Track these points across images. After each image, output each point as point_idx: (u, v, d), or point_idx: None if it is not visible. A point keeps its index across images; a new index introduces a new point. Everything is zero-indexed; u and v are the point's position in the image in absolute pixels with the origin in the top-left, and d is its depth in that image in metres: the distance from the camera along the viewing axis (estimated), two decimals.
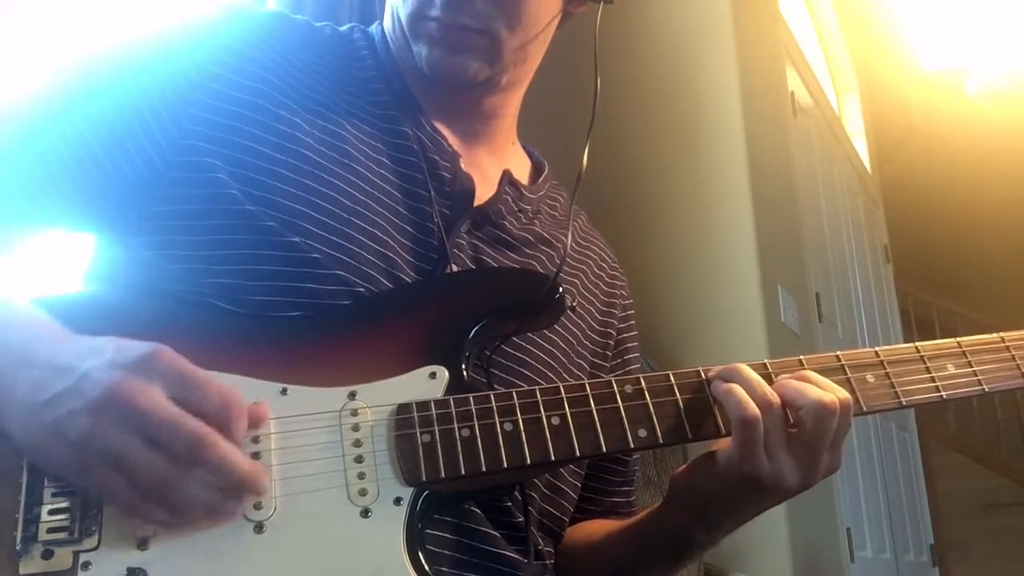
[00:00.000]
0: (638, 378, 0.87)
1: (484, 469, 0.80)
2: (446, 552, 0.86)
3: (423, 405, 0.81)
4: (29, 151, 0.87)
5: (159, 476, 0.69)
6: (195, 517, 0.72)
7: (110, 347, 0.72)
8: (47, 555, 0.71)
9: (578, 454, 0.83)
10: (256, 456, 0.77)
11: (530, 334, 0.97)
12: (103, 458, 0.68)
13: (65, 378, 0.70)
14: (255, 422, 0.77)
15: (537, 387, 0.85)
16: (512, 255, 1.01)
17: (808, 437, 0.84)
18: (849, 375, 0.90)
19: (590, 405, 0.84)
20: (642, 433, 0.84)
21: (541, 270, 1.02)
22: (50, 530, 0.71)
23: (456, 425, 0.81)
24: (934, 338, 0.98)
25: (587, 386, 0.86)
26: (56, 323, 0.77)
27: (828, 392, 0.85)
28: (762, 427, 0.83)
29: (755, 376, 0.86)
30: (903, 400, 0.91)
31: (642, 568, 1.02)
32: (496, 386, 0.90)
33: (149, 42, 0.94)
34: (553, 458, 0.82)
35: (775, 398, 0.84)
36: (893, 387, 0.91)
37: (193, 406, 0.71)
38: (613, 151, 2.93)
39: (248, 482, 0.72)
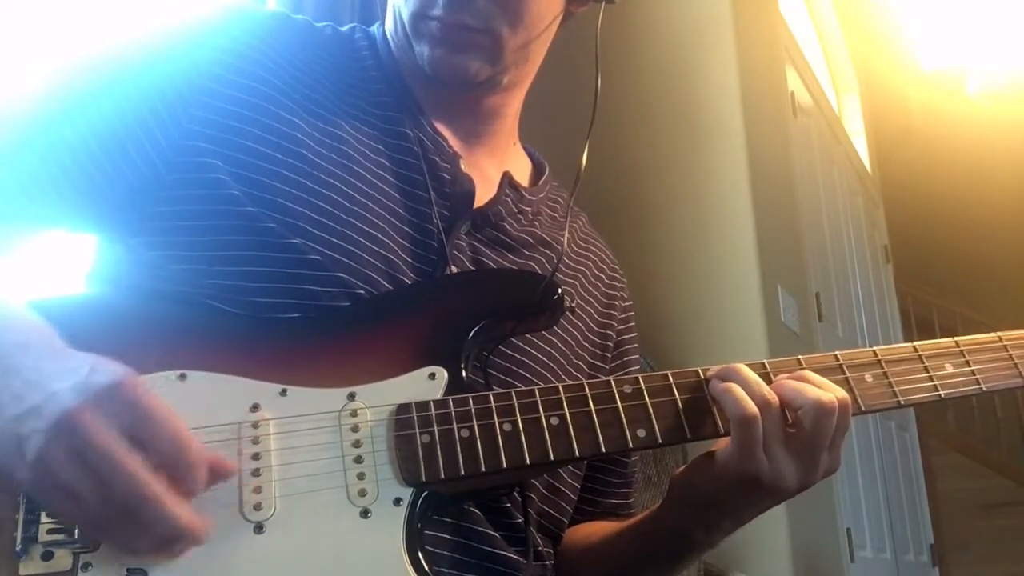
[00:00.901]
0: (637, 378, 0.87)
1: (483, 469, 0.80)
2: (445, 552, 0.86)
3: (422, 406, 0.81)
4: (30, 152, 0.87)
5: (98, 513, 0.67)
6: (141, 552, 0.70)
7: (85, 368, 0.70)
8: (47, 556, 0.71)
9: (577, 454, 0.83)
10: (256, 457, 0.77)
11: (529, 335, 0.97)
12: (52, 482, 0.67)
13: (36, 395, 0.68)
14: (219, 473, 0.73)
15: (536, 387, 0.85)
16: (512, 257, 1.01)
17: (807, 437, 0.85)
18: (847, 375, 0.90)
19: (589, 405, 0.84)
20: (641, 433, 0.84)
21: (540, 272, 1.02)
22: (50, 531, 0.71)
23: (455, 425, 0.81)
24: (934, 338, 0.98)
25: (586, 386, 0.86)
26: (51, 330, 0.75)
27: (827, 392, 0.85)
28: (761, 426, 0.83)
29: (754, 376, 0.86)
30: (901, 400, 0.91)
31: (641, 569, 1.02)
32: (495, 387, 0.90)
33: (149, 43, 0.94)
34: (552, 458, 0.82)
35: (774, 397, 0.84)
36: (891, 387, 0.91)
37: (147, 445, 0.69)
38: (613, 151, 2.93)
39: (186, 533, 0.69)
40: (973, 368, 0.95)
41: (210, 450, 0.73)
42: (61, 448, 0.67)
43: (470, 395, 0.83)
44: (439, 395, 0.83)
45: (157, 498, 0.67)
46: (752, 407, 0.83)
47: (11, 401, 0.69)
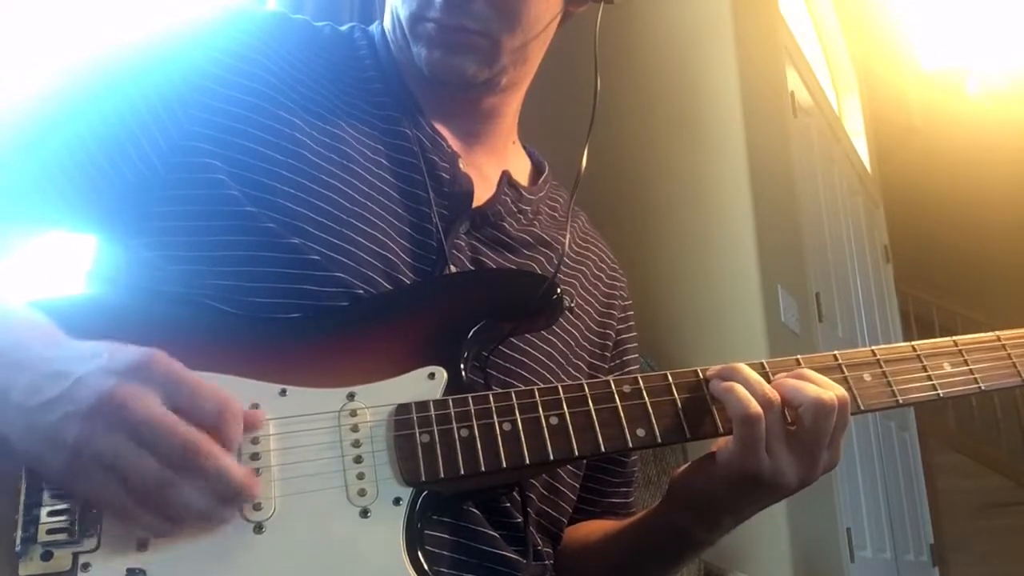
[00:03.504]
0: (636, 378, 0.87)
1: (483, 469, 0.80)
2: (445, 552, 0.86)
3: (422, 405, 0.82)
4: (30, 154, 0.87)
5: (153, 482, 0.68)
6: (189, 524, 0.71)
7: (105, 352, 0.71)
8: (46, 556, 0.71)
9: (576, 454, 0.83)
10: (255, 457, 0.77)
11: (529, 335, 0.97)
12: (97, 463, 0.68)
13: (60, 383, 0.70)
14: (252, 426, 0.76)
15: (535, 387, 0.85)
16: (511, 256, 1.02)
17: (807, 434, 0.85)
18: (846, 374, 0.90)
19: (588, 405, 0.85)
20: (640, 433, 0.84)
21: (540, 271, 1.02)
22: (49, 531, 0.71)
23: (455, 425, 0.81)
24: (934, 338, 0.98)
25: (585, 386, 0.86)
26: (53, 326, 0.76)
27: (827, 390, 0.85)
28: (763, 424, 0.83)
29: (755, 375, 0.86)
30: (900, 399, 0.91)
31: (641, 568, 1.02)
32: (495, 386, 0.91)
33: (149, 44, 0.94)
34: (552, 458, 0.82)
35: (776, 396, 0.85)
36: (890, 386, 0.91)
37: (188, 411, 0.70)
38: (613, 151, 2.92)
39: (242, 489, 0.71)
40: (971, 368, 0.95)
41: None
42: (104, 426, 0.68)
43: (469, 395, 0.83)
44: (438, 395, 0.83)
45: (214, 450, 0.70)
46: (755, 406, 0.83)
47: (26, 396, 0.70)
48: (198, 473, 0.69)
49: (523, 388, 0.85)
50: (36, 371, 0.71)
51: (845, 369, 0.91)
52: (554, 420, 0.83)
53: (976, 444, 6.47)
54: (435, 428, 0.81)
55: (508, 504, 0.93)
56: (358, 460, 0.79)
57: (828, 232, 3.89)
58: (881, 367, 0.92)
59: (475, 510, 0.90)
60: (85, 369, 0.70)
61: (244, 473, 0.72)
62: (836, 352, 0.92)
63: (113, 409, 0.68)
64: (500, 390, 0.85)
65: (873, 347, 0.93)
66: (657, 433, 0.85)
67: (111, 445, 0.68)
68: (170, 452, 0.68)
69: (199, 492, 0.70)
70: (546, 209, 1.10)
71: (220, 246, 0.87)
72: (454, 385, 0.84)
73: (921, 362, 0.94)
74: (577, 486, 1.05)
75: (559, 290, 0.91)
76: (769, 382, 0.86)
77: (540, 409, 0.83)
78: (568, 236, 1.05)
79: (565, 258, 1.07)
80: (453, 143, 1.02)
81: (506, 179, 1.05)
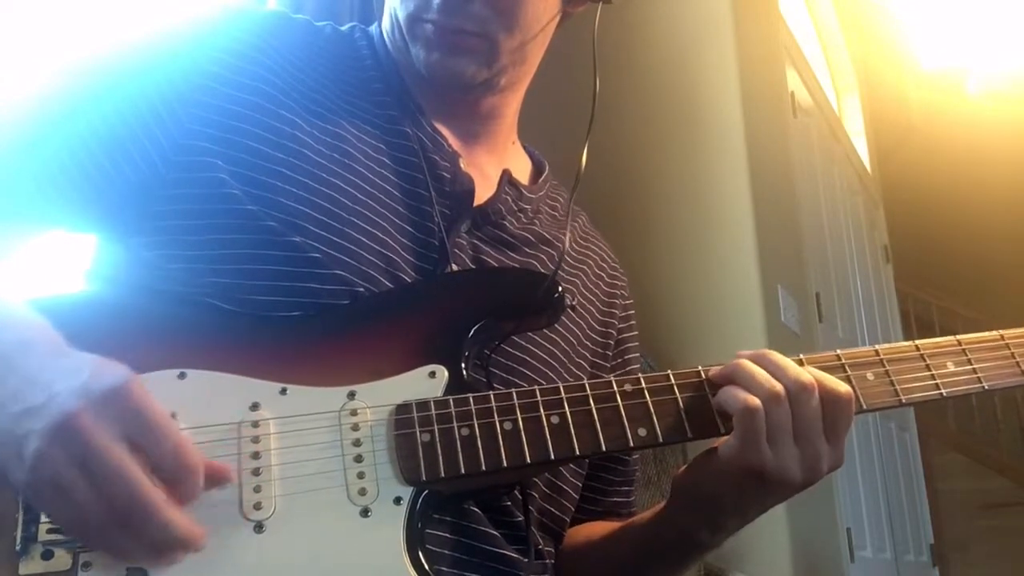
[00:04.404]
0: (638, 377, 0.87)
1: (484, 468, 0.80)
2: (446, 552, 0.86)
3: (423, 404, 0.81)
4: (31, 153, 0.87)
5: (95, 518, 0.67)
6: (137, 559, 0.70)
7: (87, 370, 0.70)
8: (47, 555, 0.71)
9: (578, 453, 0.83)
10: (256, 456, 0.77)
11: (530, 334, 0.97)
12: (50, 485, 0.67)
13: (37, 395, 0.68)
14: (216, 479, 0.74)
15: (537, 386, 0.85)
16: (512, 255, 1.01)
17: (797, 422, 0.84)
18: (849, 373, 0.90)
19: (590, 404, 0.84)
20: (642, 432, 0.84)
21: (541, 270, 1.02)
22: (50, 530, 0.71)
23: (456, 424, 0.81)
24: (934, 338, 0.97)
25: (587, 385, 0.86)
26: (51, 329, 0.75)
27: (803, 373, 0.85)
28: (763, 416, 0.83)
29: (754, 367, 0.86)
30: (903, 398, 0.91)
31: (644, 569, 1.01)
32: (496, 385, 0.90)
33: (149, 43, 0.94)
34: (553, 457, 0.82)
35: (780, 389, 0.84)
36: (893, 385, 0.91)
37: (147, 452, 0.69)
38: (613, 151, 2.92)
39: (182, 541, 0.69)
40: (975, 367, 0.95)
41: (209, 454, 0.73)
42: (60, 450, 0.66)
43: (470, 394, 0.83)
44: (439, 394, 0.83)
45: (155, 504, 0.67)
46: (753, 398, 0.83)
47: (10, 399, 0.69)
48: (137, 521, 0.67)
49: (524, 388, 0.85)
50: (22, 378, 0.70)
51: (848, 368, 0.91)
52: (555, 419, 0.83)
53: (976, 444, 6.48)
54: (436, 427, 0.80)
55: (509, 503, 0.93)
56: (358, 459, 0.79)
57: (828, 232, 3.89)
58: (884, 366, 0.92)
59: (476, 509, 0.89)
60: (62, 386, 0.68)
61: (187, 525, 0.69)
62: (839, 351, 0.92)
63: (70, 435, 0.66)
64: (501, 389, 0.85)
65: (876, 346, 0.93)
66: (659, 432, 0.85)
67: (63, 471, 0.66)
68: (112, 494, 0.66)
69: (137, 538, 0.68)
70: (546, 208, 1.10)
71: (221, 244, 0.87)
72: (455, 384, 0.84)
73: (924, 361, 0.93)
74: (579, 485, 1.04)
75: (560, 288, 0.91)
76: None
77: (541, 408, 0.83)
78: (568, 235, 1.05)
79: (566, 257, 1.06)
80: (453, 142, 1.02)
81: (507, 178, 1.05)
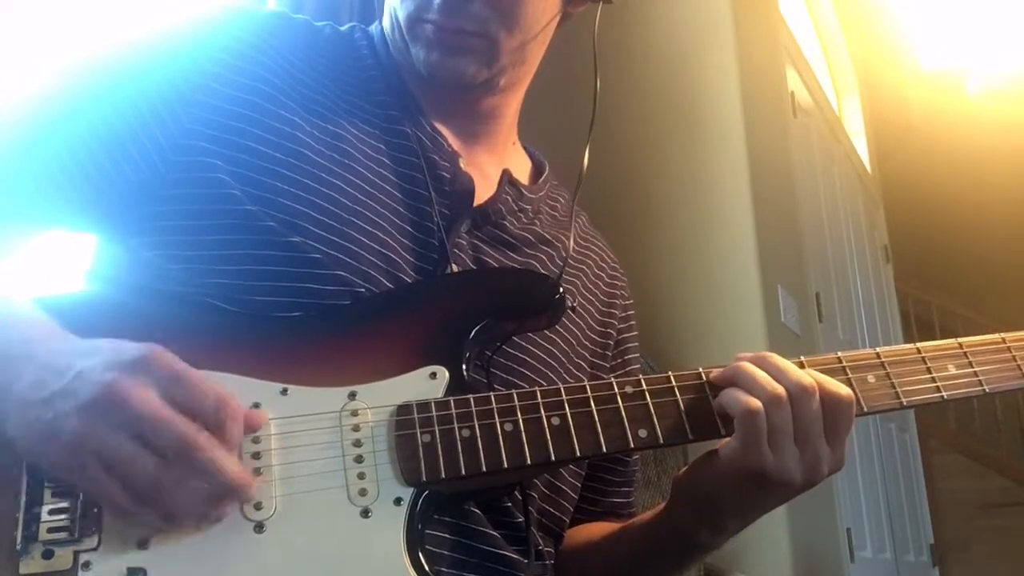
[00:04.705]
0: (639, 379, 0.87)
1: (484, 469, 0.80)
2: (446, 552, 0.86)
3: (423, 405, 0.81)
4: (31, 153, 0.87)
5: (150, 477, 0.68)
6: (187, 521, 0.71)
7: (107, 347, 0.72)
8: (47, 555, 0.71)
9: (578, 454, 0.83)
10: (257, 456, 0.77)
11: (530, 334, 0.97)
12: (95, 459, 0.68)
13: (61, 378, 0.70)
14: (252, 425, 0.76)
15: (537, 387, 0.85)
16: (512, 255, 1.01)
17: (798, 424, 0.84)
18: (850, 375, 0.90)
19: (590, 405, 0.84)
20: (642, 433, 0.84)
21: (542, 270, 1.02)
22: (50, 530, 0.71)
23: (456, 425, 0.81)
24: (934, 339, 0.97)
25: (587, 387, 0.86)
26: (55, 323, 0.76)
27: (804, 375, 0.85)
28: (764, 418, 0.83)
29: (755, 369, 0.86)
30: (904, 401, 0.91)
31: (645, 570, 1.01)
32: (496, 386, 0.90)
33: (149, 43, 0.94)
34: (553, 458, 0.82)
35: (781, 391, 0.84)
36: (894, 387, 0.91)
37: (187, 407, 0.70)
38: (613, 151, 2.92)
39: (239, 486, 0.71)
40: (976, 369, 0.94)
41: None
42: (102, 421, 0.68)
43: (471, 395, 0.83)
44: (440, 395, 0.83)
45: (212, 450, 0.69)
46: (754, 401, 0.83)
47: (29, 390, 0.70)
48: (194, 469, 0.69)
49: (525, 389, 0.85)
50: (40, 366, 0.71)
51: (849, 371, 0.90)
52: (556, 420, 0.83)
53: (976, 445, 6.48)
54: (436, 428, 0.80)
55: (509, 504, 0.93)
56: (359, 460, 0.79)
57: (828, 232, 3.89)
58: (885, 369, 0.92)
59: (476, 510, 0.89)
60: (85, 364, 0.70)
61: (241, 470, 0.72)
62: (840, 354, 0.92)
63: (111, 404, 0.68)
64: (502, 390, 0.85)
65: (877, 349, 0.93)
66: (659, 434, 0.85)
67: (108, 440, 0.68)
68: (166, 447, 0.68)
69: (195, 489, 0.70)
70: (547, 208, 1.10)
71: (221, 245, 0.87)
72: (456, 385, 0.84)
73: (925, 364, 0.93)
74: (579, 485, 1.05)
75: (561, 289, 0.91)
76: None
77: (542, 410, 0.83)
78: (572, 236, 1.05)
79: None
80: (453, 142, 1.02)
81: (507, 178, 1.05)
